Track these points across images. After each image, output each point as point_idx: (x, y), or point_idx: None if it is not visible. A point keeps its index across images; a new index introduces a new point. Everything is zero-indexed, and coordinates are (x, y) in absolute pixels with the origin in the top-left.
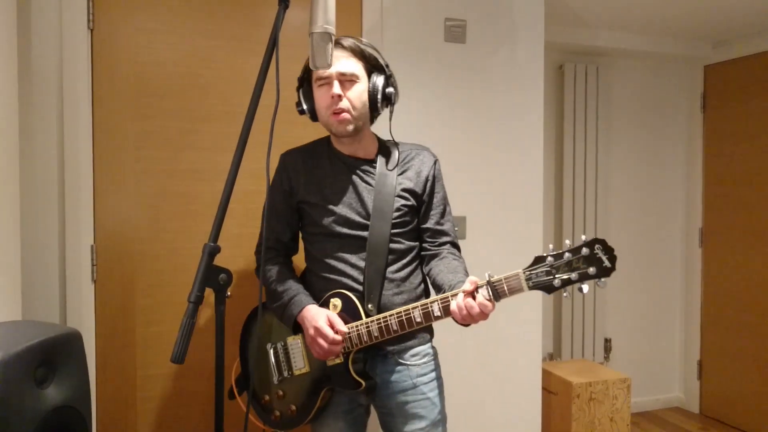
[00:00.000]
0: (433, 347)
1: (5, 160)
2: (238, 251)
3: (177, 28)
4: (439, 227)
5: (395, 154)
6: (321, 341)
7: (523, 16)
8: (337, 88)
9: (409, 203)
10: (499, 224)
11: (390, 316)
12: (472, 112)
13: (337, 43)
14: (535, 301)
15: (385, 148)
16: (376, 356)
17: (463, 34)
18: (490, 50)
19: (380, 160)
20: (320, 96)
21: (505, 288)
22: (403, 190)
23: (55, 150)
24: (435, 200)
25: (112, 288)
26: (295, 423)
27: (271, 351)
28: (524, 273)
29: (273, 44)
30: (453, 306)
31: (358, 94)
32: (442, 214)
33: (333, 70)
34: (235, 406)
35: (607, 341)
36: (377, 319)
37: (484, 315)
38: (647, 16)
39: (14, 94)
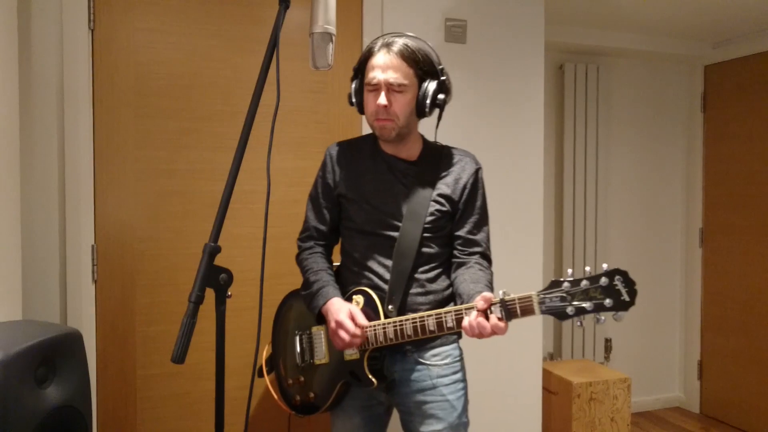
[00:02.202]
0: (459, 348)
1: (6, 160)
2: (239, 251)
3: (177, 27)
4: (471, 236)
5: (437, 158)
6: (342, 333)
7: (523, 15)
8: (383, 99)
9: (443, 209)
10: (498, 223)
11: (406, 320)
12: (473, 112)
13: (388, 47)
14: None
15: (428, 151)
16: (396, 353)
17: (464, 34)
18: (491, 50)
19: (421, 163)
20: (368, 100)
21: (518, 309)
22: (440, 195)
23: (56, 150)
24: (471, 208)
25: (113, 288)
26: (313, 410)
27: (297, 337)
28: (538, 296)
29: (273, 44)
30: (465, 323)
31: (404, 104)
32: (477, 224)
33: (382, 77)
34: (236, 406)
35: (608, 341)
36: (393, 322)
37: (493, 335)
38: (647, 16)
39: (15, 94)
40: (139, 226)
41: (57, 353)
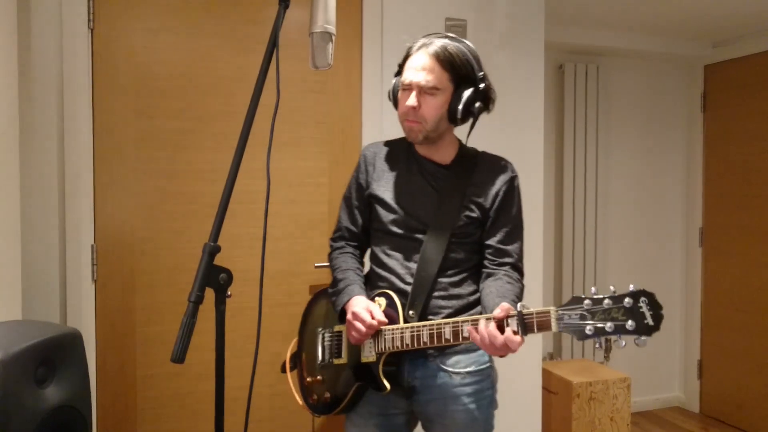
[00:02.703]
0: (488, 355)
1: (6, 159)
2: (239, 251)
3: (177, 28)
4: (501, 246)
5: (472, 163)
6: (357, 324)
7: (523, 16)
8: (412, 100)
9: (473, 215)
10: None
11: (423, 326)
12: None
13: (425, 48)
14: (535, 300)
15: (463, 156)
16: (417, 359)
17: (463, 34)
18: (491, 50)
19: (454, 167)
20: (401, 100)
21: (534, 323)
22: (471, 201)
23: (56, 150)
24: (503, 218)
25: (112, 288)
26: (328, 410)
27: (321, 336)
28: (556, 312)
29: (273, 44)
30: (476, 332)
31: (435, 108)
32: (509, 234)
33: (414, 80)
34: (236, 406)
35: (608, 341)
36: (411, 327)
37: (508, 349)
38: (647, 16)
39: (15, 94)
40: (139, 226)
41: (57, 353)
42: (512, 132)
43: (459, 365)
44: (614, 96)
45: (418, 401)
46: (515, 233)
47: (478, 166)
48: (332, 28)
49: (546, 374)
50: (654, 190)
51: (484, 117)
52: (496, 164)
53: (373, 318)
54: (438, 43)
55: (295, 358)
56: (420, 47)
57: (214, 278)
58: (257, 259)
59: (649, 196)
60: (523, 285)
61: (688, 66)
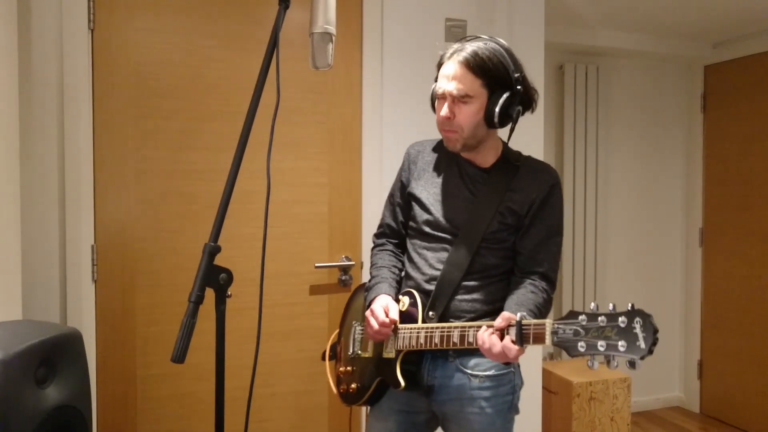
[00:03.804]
0: (513, 364)
1: (6, 160)
2: (239, 251)
3: (177, 28)
4: (532, 254)
5: (513, 169)
6: (372, 321)
7: (523, 16)
8: (445, 110)
9: (507, 222)
10: None
11: (435, 328)
12: None
13: (456, 54)
14: None
15: (505, 160)
16: (437, 359)
17: (464, 34)
18: None
19: (494, 171)
20: (437, 109)
21: (531, 335)
22: (506, 207)
23: (56, 150)
24: (539, 225)
25: (113, 288)
26: (353, 401)
27: (354, 328)
28: (552, 325)
29: (273, 44)
30: (477, 336)
31: (470, 115)
32: (542, 242)
33: (446, 89)
34: (236, 405)
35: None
36: (426, 328)
37: (505, 356)
38: (647, 16)
39: (15, 94)
40: (139, 226)
41: (57, 353)
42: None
43: (478, 368)
44: (614, 96)
45: (436, 401)
46: (550, 242)
47: (520, 171)
48: (332, 29)
49: (546, 374)
50: (654, 191)
51: None
52: (538, 170)
53: (387, 316)
54: (469, 49)
55: (334, 349)
56: (452, 54)
57: (215, 278)
58: (257, 259)
59: (649, 196)
60: (549, 296)
61: (688, 66)
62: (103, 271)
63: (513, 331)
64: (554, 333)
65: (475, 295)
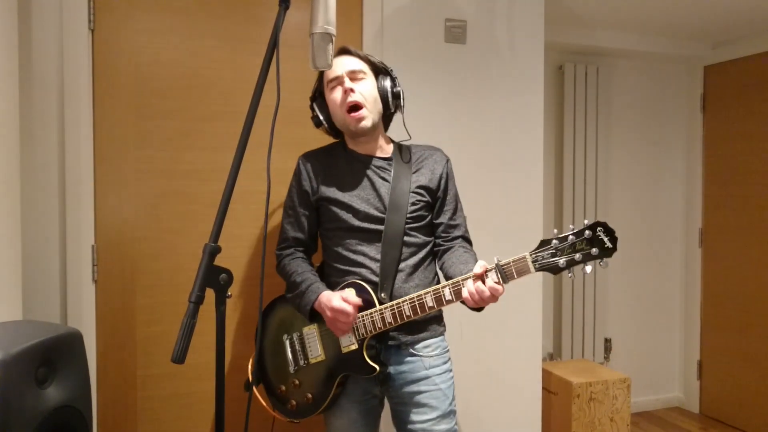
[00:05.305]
0: (446, 341)
1: (6, 160)
2: (239, 251)
3: (177, 28)
4: (452, 222)
5: (409, 154)
6: (341, 317)
7: (523, 16)
8: (348, 83)
9: (424, 199)
10: (499, 225)
11: (403, 302)
12: (473, 113)
13: (342, 51)
14: (535, 301)
15: (399, 149)
16: (390, 347)
17: (464, 34)
18: (491, 51)
19: (396, 159)
20: (334, 97)
21: (513, 270)
22: (419, 186)
23: (56, 150)
24: (448, 197)
25: (113, 288)
26: (311, 411)
27: (287, 342)
28: (531, 255)
29: (273, 44)
30: (465, 293)
31: (369, 89)
32: (455, 211)
33: (341, 70)
34: (236, 405)
35: (607, 341)
36: (390, 306)
37: (494, 298)
38: (647, 16)
39: (15, 95)
40: (139, 226)
41: (57, 353)
42: (512, 133)
43: (428, 350)
44: (614, 96)
45: (393, 386)
46: (459, 209)
47: (416, 155)
48: (332, 29)
49: (546, 374)
50: (654, 191)
51: (484, 117)
52: (432, 152)
53: (351, 304)
54: (348, 47)
55: (257, 373)
56: (331, 59)
57: (215, 278)
58: (257, 259)
59: (648, 196)
60: (475, 253)
61: (688, 66)
62: (104, 271)
63: (493, 274)
64: (535, 261)
65: (414, 272)
